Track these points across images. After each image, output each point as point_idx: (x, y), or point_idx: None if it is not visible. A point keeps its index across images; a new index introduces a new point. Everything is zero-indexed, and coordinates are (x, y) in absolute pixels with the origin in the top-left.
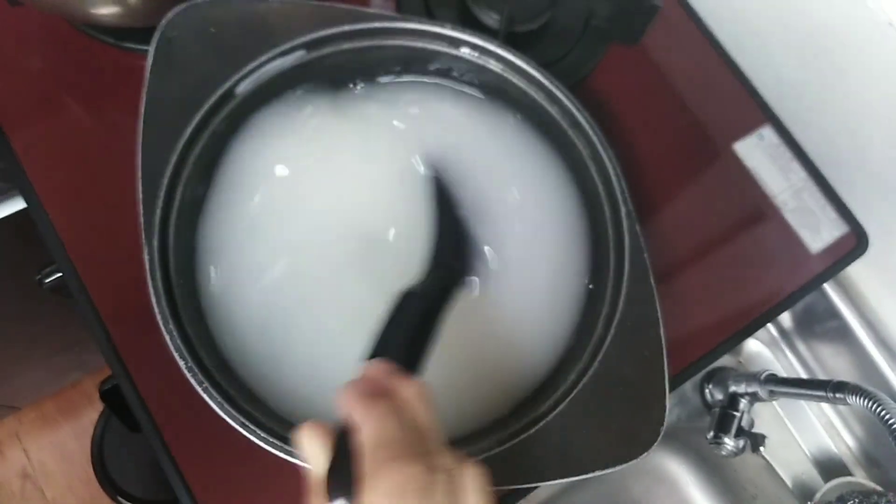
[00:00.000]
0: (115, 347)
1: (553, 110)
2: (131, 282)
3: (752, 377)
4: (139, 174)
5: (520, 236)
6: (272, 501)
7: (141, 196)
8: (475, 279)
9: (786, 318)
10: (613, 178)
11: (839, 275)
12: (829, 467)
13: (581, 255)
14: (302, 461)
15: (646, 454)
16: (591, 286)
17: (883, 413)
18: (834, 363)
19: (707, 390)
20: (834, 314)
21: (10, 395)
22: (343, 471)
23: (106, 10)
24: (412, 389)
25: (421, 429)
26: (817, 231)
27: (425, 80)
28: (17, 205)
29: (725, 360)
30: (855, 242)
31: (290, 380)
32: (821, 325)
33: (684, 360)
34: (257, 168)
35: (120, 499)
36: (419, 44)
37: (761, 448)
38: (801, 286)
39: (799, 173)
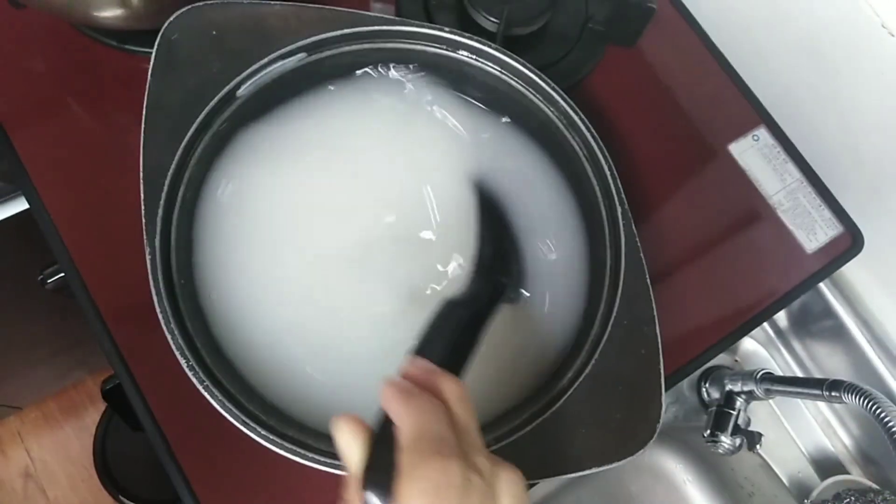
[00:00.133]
0: (117, 347)
1: (550, 111)
2: (133, 281)
3: (749, 376)
4: (141, 175)
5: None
6: (274, 500)
7: (143, 196)
8: (524, 293)
9: (781, 318)
10: (609, 178)
11: (834, 274)
12: (826, 465)
13: (578, 256)
14: (336, 455)
15: (642, 451)
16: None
17: (878, 411)
18: (829, 362)
19: (703, 389)
20: (829, 313)
21: (12, 394)
22: (380, 465)
23: (108, 13)
24: (453, 388)
25: (460, 428)
26: (812, 231)
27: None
28: (20, 205)
29: (722, 359)
30: (850, 242)
31: (291, 378)
32: (816, 324)
33: (681, 359)
34: (263, 167)
35: (122, 498)
36: (418, 47)
37: (758, 446)
38: (796, 285)
39: (794, 174)
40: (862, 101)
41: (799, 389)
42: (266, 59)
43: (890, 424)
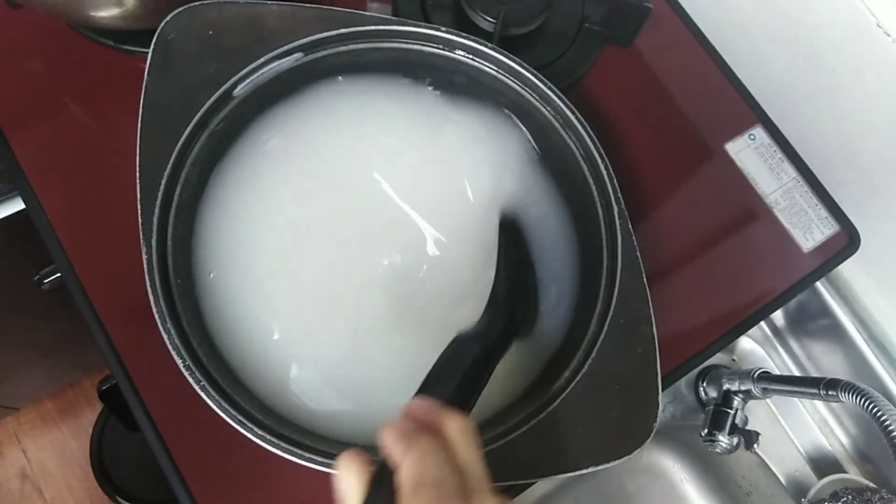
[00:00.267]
0: (113, 347)
1: (547, 111)
2: (130, 282)
3: (746, 375)
4: (138, 175)
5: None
6: (271, 500)
7: (139, 196)
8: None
9: (778, 317)
10: (606, 178)
11: (831, 273)
12: (823, 464)
13: (572, 256)
14: (332, 455)
15: (639, 451)
16: (585, 285)
17: (875, 410)
18: (826, 361)
19: (701, 388)
20: (826, 312)
21: (8, 395)
22: None
23: (105, 13)
24: (456, 425)
25: (463, 469)
26: (809, 230)
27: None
28: (16, 206)
29: (719, 358)
30: (846, 241)
31: (288, 379)
32: (813, 323)
33: (678, 358)
34: (261, 169)
35: (119, 498)
36: (415, 46)
37: (755, 445)
38: (793, 284)
39: (790, 173)
40: (858, 101)
41: (796, 388)
42: (263, 59)
43: (887, 423)
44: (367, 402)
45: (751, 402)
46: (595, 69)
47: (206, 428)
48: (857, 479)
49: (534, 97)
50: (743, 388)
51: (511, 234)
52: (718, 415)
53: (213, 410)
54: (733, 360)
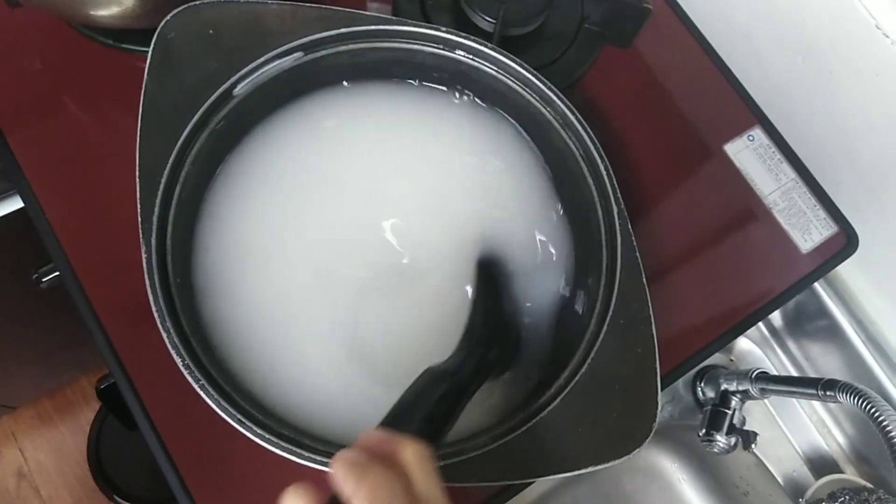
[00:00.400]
0: (112, 346)
1: (546, 111)
2: (129, 280)
3: (744, 375)
4: (137, 174)
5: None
6: (270, 499)
7: (139, 195)
8: (509, 374)
9: (776, 317)
10: (605, 178)
11: (829, 274)
12: (820, 464)
13: (567, 254)
14: (332, 454)
15: (638, 451)
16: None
17: (873, 411)
18: (824, 361)
19: (699, 388)
20: (824, 313)
21: (6, 393)
22: None
23: (105, 12)
24: (413, 453)
25: (421, 499)
26: (807, 231)
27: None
28: (15, 204)
29: (717, 359)
30: (845, 242)
31: (286, 378)
32: (811, 323)
33: (676, 358)
34: (261, 170)
35: (116, 497)
36: (415, 46)
37: (753, 445)
38: (791, 285)
39: (788, 174)
40: (857, 102)
41: (794, 389)
42: (263, 59)
43: (884, 424)
44: (366, 402)
45: (748, 403)
46: (594, 70)
47: (205, 427)
48: (854, 479)
49: (533, 97)
50: (741, 388)
51: (488, 270)
52: (716, 415)
53: (212, 409)
54: (731, 360)
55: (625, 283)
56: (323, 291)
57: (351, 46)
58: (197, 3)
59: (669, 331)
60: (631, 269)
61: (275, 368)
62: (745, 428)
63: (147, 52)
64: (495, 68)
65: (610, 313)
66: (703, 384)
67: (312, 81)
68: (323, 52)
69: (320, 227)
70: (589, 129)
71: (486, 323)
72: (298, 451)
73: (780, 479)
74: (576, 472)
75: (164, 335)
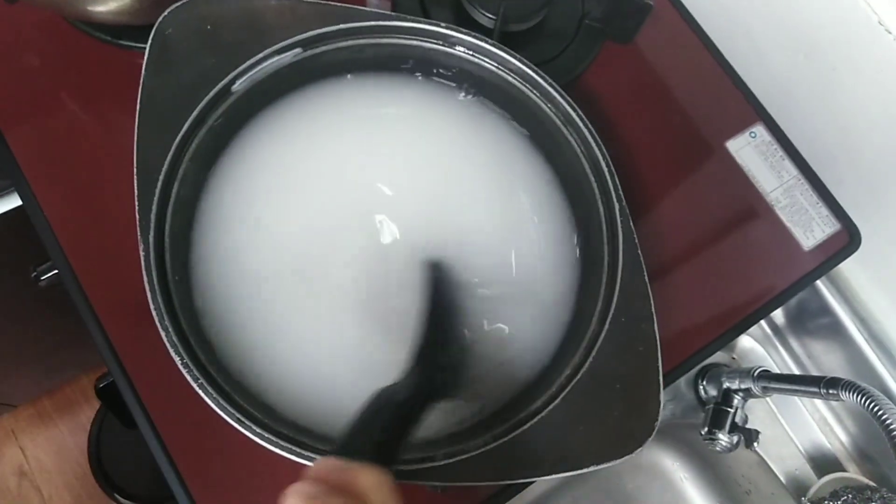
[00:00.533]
0: (110, 344)
1: (547, 108)
2: (127, 278)
3: (746, 373)
4: (135, 170)
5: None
6: (268, 497)
7: (137, 192)
8: (459, 399)
9: (779, 315)
10: (607, 175)
11: (831, 272)
12: (823, 463)
13: (572, 253)
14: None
15: (640, 450)
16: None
17: (876, 409)
18: (826, 359)
19: (701, 386)
20: (826, 311)
21: (6, 392)
22: None
23: (103, 8)
24: (371, 479)
25: None
26: (809, 228)
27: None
28: (13, 202)
29: (719, 357)
30: (847, 239)
31: (285, 376)
32: (813, 321)
33: (678, 357)
34: (259, 166)
35: (116, 496)
36: (415, 42)
37: (755, 444)
38: (793, 283)
39: (791, 171)
40: (859, 99)
41: (796, 387)
42: (261, 55)
43: (887, 422)
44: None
45: (751, 401)
46: (595, 66)
47: (204, 425)
48: (857, 477)
49: (534, 93)
50: (743, 386)
51: (436, 283)
52: (718, 413)
53: (211, 408)
54: (733, 358)
55: (627, 281)
56: (322, 287)
57: (350, 42)
58: None
59: (671, 329)
60: (633, 266)
61: (274, 367)
62: (748, 426)
63: (145, 48)
64: (496, 65)
65: (612, 311)
66: (705, 382)
67: (312, 77)
68: (322, 48)
69: (323, 222)
70: (590, 126)
71: (432, 344)
72: (297, 449)
73: (782, 478)
74: (577, 472)
75: (163, 333)
